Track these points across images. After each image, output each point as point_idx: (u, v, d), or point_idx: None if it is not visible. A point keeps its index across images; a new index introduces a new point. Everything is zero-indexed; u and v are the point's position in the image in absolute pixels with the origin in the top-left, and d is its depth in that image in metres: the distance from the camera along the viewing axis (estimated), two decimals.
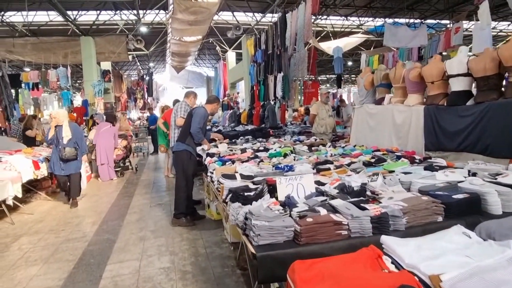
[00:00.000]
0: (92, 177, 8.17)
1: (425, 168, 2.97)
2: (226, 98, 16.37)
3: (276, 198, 2.35)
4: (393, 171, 2.97)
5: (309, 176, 2.46)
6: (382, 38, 15.49)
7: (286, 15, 8.38)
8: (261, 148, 5.06)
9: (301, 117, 14.21)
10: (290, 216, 2.02)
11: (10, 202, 5.14)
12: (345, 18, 14.75)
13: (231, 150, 4.96)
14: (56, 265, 3.57)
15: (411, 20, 14.26)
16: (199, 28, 12.33)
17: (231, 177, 3.03)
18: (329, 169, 3.23)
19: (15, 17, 11.76)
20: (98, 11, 12.27)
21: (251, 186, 2.79)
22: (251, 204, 2.34)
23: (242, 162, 3.88)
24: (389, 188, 2.37)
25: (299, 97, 11.87)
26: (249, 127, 9.10)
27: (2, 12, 11.18)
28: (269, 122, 9.01)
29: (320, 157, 4.02)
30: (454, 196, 2.15)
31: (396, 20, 14.25)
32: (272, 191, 2.59)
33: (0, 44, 11.75)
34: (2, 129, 9.43)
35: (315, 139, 6.32)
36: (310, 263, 1.43)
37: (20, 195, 5.54)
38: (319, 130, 6.78)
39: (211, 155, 4.69)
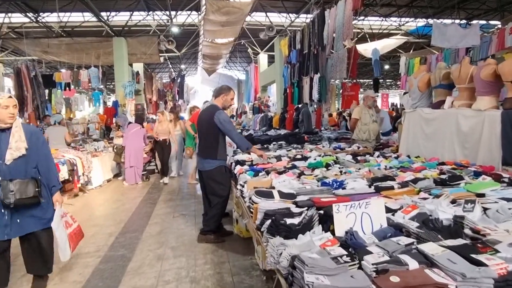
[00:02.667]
0: (114, 180, 7.82)
1: None
2: (257, 101, 15.88)
3: (332, 232, 1.70)
4: (483, 195, 2.23)
5: (379, 202, 1.78)
6: (423, 39, 14.52)
7: (325, 12, 7.71)
8: (298, 157, 4.41)
9: (333, 122, 13.46)
10: (361, 267, 1.37)
11: None
12: (384, 19, 13.88)
13: None
14: (61, 286, 3.10)
15: (457, 21, 13.15)
16: (231, 29, 11.93)
17: (267, 194, 2.38)
18: (392, 187, 2.52)
19: (50, 18, 11.82)
20: (131, 12, 12.15)
21: (294, 208, 2.14)
22: (296, 238, 1.71)
23: (279, 173, 3.25)
24: (499, 226, 1.64)
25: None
26: (282, 131, 8.45)
27: (38, 13, 11.27)
28: (303, 127, 8.32)
29: (372, 169, 3.31)
30: None
31: (440, 20, 13.18)
32: (323, 217, 1.95)
33: (36, 44, 11.87)
34: None
35: (358, 147, 5.60)
36: None
37: None
38: (361, 136, 6.06)
39: (241, 163, 4.10)
